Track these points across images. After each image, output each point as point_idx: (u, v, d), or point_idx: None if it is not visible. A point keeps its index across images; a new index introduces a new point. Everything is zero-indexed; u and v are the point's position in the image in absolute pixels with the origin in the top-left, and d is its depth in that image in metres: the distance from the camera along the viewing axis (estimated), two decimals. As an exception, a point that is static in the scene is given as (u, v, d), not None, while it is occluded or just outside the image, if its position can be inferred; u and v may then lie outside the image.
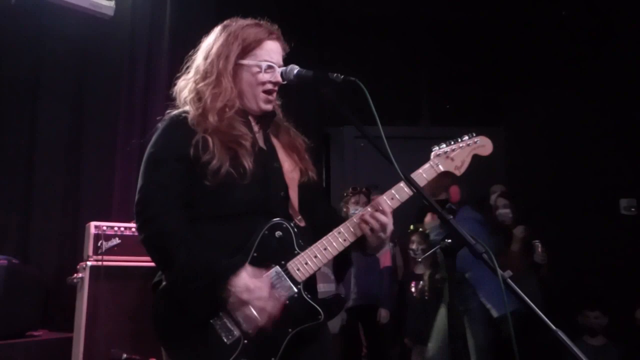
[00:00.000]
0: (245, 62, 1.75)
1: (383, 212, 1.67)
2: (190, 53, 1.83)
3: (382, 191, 4.62)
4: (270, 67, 1.75)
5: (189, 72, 1.80)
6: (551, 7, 5.29)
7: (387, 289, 4.37)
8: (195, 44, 1.87)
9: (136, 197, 1.62)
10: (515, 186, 5.03)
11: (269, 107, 1.78)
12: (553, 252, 4.26)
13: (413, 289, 4.26)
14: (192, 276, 1.55)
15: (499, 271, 1.33)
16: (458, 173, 1.78)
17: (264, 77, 1.75)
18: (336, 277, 2.12)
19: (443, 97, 6.22)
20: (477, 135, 1.82)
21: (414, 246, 4.31)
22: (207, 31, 1.89)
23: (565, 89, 5.38)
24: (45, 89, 4.22)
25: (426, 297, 4.10)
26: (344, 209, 4.20)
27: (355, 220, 1.69)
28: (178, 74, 1.83)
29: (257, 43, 1.77)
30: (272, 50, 1.78)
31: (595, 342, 4.28)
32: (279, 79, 1.76)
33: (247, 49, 1.75)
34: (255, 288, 1.54)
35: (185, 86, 1.79)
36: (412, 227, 4.33)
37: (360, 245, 1.73)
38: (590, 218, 4.97)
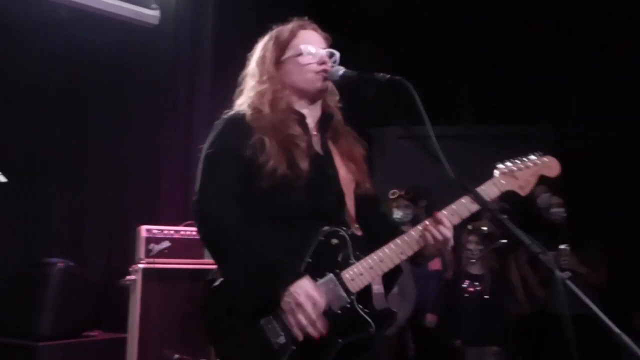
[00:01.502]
0: (286, 56, 1.77)
1: (447, 227, 1.64)
2: (240, 78, 1.84)
3: (429, 195, 4.52)
4: (310, 49, 1.75)
5: (242, 93, 1.82)
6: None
7: (435, 293, 4.31)
8: (237, 50, 1.90)
9: (195, 197, 1.65)
10: (564, 185, 4.88)
11: (324, 85, 1.76)
12: (607, 252, 4.13)
13: (471, 289, 4.18)
14: (251, 271, 1.56)
15: (557, 272, 1.29)
16: (522, 193, 1.72)
17: (308, 59, 1.74)
18: (385, 286, 1.97)
19: (486, 95, 6.10)
20: (545, 155, 1.76)
21: (471, 246, 4.24)
22: (248, 39, 1.92)
23: (615, 82, 5.20)
24: (93, 97, 4.37)
25: (485, 297, 4.05)
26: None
27: (415, 233, 1.66)
28: (233, 97, 1.84)
29: (292, 35, 1.78)
30: (308, 37, 1.79)
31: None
32: (325, 58, 1.75)
33: (285, 44, 1.78)
34: (314, 296, 1.52)
35: (238, 96, 1.81)
36: (469, 227, 4.26)
37: (415, 253, 1.69)
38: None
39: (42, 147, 4.15)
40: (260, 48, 1.82)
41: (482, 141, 5.56)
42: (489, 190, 1.70)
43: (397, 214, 4.28)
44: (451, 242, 1.66)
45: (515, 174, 1.72)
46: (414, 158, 5.06)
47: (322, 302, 1.53)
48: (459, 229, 4.30)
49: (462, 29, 5.63)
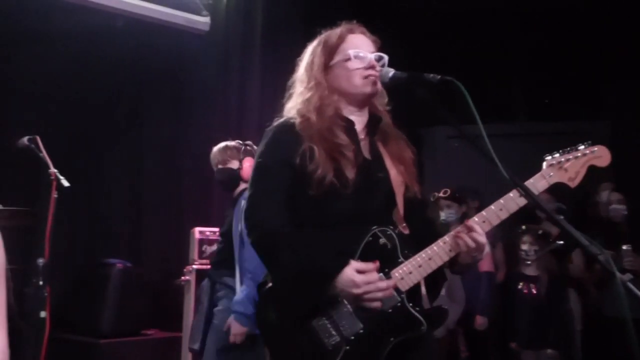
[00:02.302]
0: (334, 61, 1.77)
1: (479, 233, 1.61)
2: (290, 82, 1.86)
3: (476, 194, 4.42)
4: (358, 54, 1.74)
5: (291, 97, 1.83)
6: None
7: (486, 295, 4.22)
8: (285, 56, 1.92)
9: (246, 205, 1.70)
10: (624, 183, 4.70)
11: (373, 89, 1.75)
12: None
13: (525, 291, 4.08)
14: (299, 274, 1.59)
15: (618, 274, 1.25)
16: (572, 185, 1.66)
17: (356, 64, 1.74)
18: (428, 294, 1.85)
19: (540, 91, 5.93)
20: (594, 144, 1.69)
21: (525, 247, 4.13)
22: (296, 44, 1.93)
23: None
24: (147, 105, 4.53)
25: (543, 296, 3.95)
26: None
27: (452, 234, 1.65)
28: (283, 100, 1.86)
29: (340, 40, 1.78)
30: (357, 42, 1.78)
31: None
32: (373, 62, 1.74)
33: (333, 49, 1.77)
34: (361, 282, 1.54)
35: (287, 101, 1.83)
36: (524, 227, 4.17)
37: (450, 262, 1.68)
38: None
39: (100, 153, 4.34)
40: (309, 53, 1.83)
41: (536, 139, 5.41)
42: (538, 183, 1.65)
43: (442, 215, 4.25)
44: (486, 250, 1.64)
45: (564, 165, 1.67)
46: (464, 158, 4.99)
47: (371, 266, 1.55)
48: (512, 229, 4.25)
49: (513, 25, 5.50)
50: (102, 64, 4.16)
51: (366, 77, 1.73)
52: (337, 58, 1.77)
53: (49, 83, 4.02)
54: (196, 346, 2.91)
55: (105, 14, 3.90)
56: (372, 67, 1.74)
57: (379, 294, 1.54)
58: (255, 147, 3.08)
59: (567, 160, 1.67)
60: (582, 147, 1.69)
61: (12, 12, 3.67)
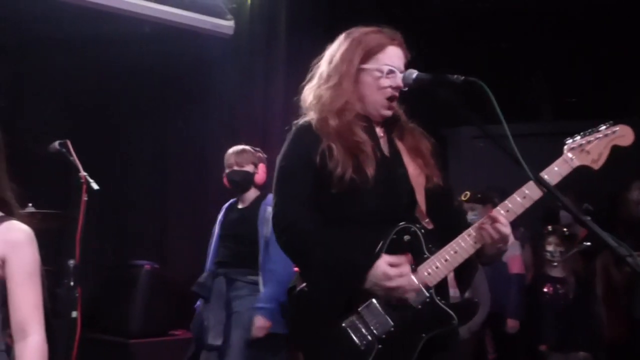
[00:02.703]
0: (367, 66, 1.75)
1: (503, 224, 1.61)
2: (314, 62, 1.85)
3: (502, 194, 4.38)
4: (391, 71, 1.74)
5: (313, 80, 1.83)
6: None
7: (517, 298, 4.16)
8: (310, 59, 1.91)
9: (273, 210, 1.72)
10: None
11: (388, 113, 1.78)
12: None
13: (551, 292, 4.03)
14: (331, 270, 1.61)
15: (647, 275, 1.23)
16: (596, 167, 1.63)
17: (385, 82, 1.74)
18: (459, 284, 1.82)
19: (565, 89, 5.85)
20: (616, 124, 1.65)
21: (551, 248, 4.08)
22: (321, 46, 1.93)
23: None
24: (173, 106, 4.60)
25: (570, 298, 3.90)
26: None
27: (476, 226, 1.65)
28: (303, 83, 1.85)
29: (380, 48, 1.76)
30: (394, 56, 1.77)
31: None
32: (400, 84, 1.74)
33: (370, 54, 1.76)
34: (394, 275, 1.57)
35: (309, 93, 1.82)
36: (549, 227, 4.12)
37: (475, 253, 1.67)
38: None
39: (128, 156, 4.42)
40: (344, 45, 1.79)
41: (562, 138, 5.31)
42: (561, 168, 1.63)
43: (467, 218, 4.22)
44: (511, 240, 1.63)
45: (586, 147, 1.64)
46: (489, 158, 4.94)
47: (403, 259, 1.59)
48: (538, 230, 4.18)
49: (539, 23, 5.43)
50: (128, 68, 4.24)
51: (390, 99, 1.75)
52: (371, 65, 1.75)
53: (79, 88, 4.12)
54: (219, 342, 3.00)
55: (132, 20, 3.98)
56: (398, 88, 1.75)
57: (412, 287, 1.56)
58: (264, 154, 3.30)
59: (589, 142, 1.64)
60: (603, 127, 1.66)
61: (43, 18, 3.78)
